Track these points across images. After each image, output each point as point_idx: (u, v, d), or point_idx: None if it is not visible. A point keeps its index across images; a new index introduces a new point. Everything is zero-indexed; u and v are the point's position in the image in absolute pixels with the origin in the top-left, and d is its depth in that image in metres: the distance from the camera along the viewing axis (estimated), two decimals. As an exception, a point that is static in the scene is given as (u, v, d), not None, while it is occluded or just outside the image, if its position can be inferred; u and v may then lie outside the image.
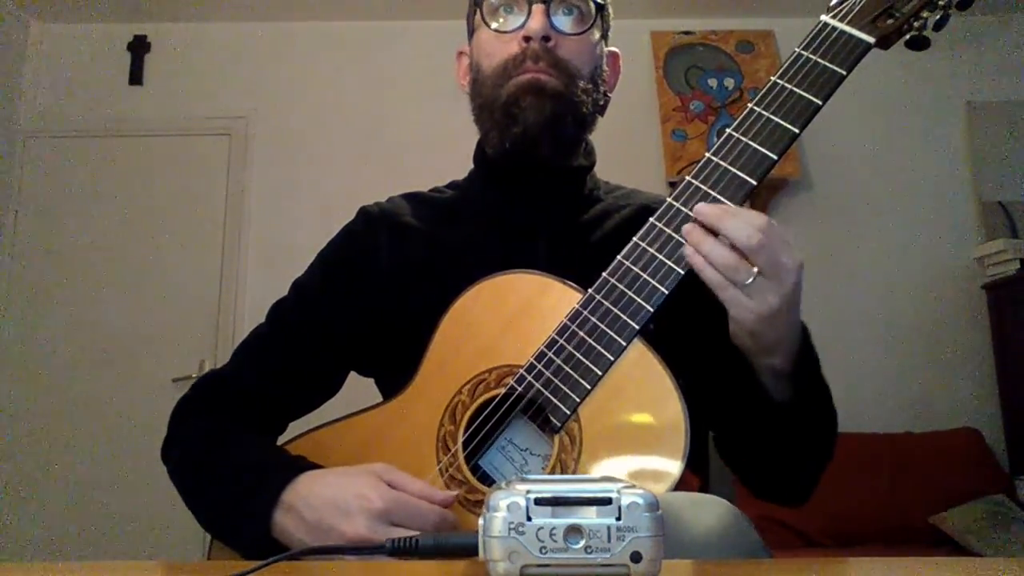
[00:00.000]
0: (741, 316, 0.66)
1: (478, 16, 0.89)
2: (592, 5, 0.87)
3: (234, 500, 0.72)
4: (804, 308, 0.70)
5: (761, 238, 0.64)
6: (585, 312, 0.69)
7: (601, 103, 0.91)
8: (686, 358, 0.71)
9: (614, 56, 0.96)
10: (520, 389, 0.69)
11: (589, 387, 0.66)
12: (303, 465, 0.71)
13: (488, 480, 0.71)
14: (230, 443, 0.78)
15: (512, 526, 0.38)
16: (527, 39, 0.83)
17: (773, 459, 0.78)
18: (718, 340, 0.72)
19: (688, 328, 0.75)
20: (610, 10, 0.93)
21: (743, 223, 0.65)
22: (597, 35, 0.89)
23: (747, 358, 0.72)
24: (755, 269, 0.64)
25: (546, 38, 0.83)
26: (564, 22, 0.86)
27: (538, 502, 0.38)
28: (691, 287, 0.69)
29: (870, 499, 2.47)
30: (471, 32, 0.94)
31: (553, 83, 0.83)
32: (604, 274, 0.70)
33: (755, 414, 0.74)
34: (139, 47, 3.23)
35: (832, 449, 0.78)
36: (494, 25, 0.87)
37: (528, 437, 0.72)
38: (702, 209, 0.67)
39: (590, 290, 0.70)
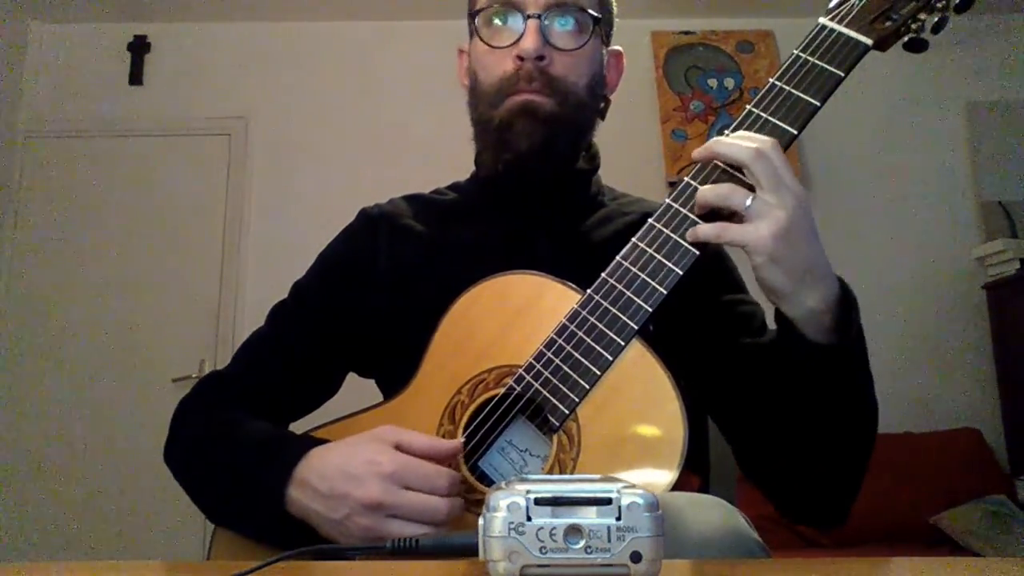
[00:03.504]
0: (757, 244, 0.63)
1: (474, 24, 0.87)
2: (589, 16, 0.84)
3: (245, 482, 0.72)
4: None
5: (756, 147, 0.64)
6: (584, 312, 0.69)
7: (601, 107, 0.90)
8: (686, 359, 0.71)
9: (617, 56, 0.93)
10: (519, 389, 0.69)
11: (588, 387, 0.67)
12: (312, 442, 0.71)
13: (487, 480, 0.71)
14: (235, 431, 0.78)
15: (512, 526, 0.38)
16: (521, 58, 0.81)
17: (809, 450, 0.70)
18: (722, 341, 0.71)
19: (688, 329, 0.75)
20: (614, 7, 0.91)
21: (734, 139, 0.66)
22: (596, 43, 0.86)
23: (782, 308, 0.67)
24: (749, 197, 0.64)
25: (540, 57, 0.81)
26: (560, 35, 0.82)
27: (538, 502, 0.38)
28: (691, 289, 0.69)
29: (870, 499, 2.42)
30: (471, 32, 0.93)
31: (547, 105, 0.81)
32: (603, 275, 0.70)
33: (793, 373, 0.68)
34: (139, 47, 3.23)
35: (870, 450, 0.72)
36: (488, 39, 0.85)
37: (527, 437, 0.72)
38: (697, 154, 0.69)
39: (589, 290, 0.70)
